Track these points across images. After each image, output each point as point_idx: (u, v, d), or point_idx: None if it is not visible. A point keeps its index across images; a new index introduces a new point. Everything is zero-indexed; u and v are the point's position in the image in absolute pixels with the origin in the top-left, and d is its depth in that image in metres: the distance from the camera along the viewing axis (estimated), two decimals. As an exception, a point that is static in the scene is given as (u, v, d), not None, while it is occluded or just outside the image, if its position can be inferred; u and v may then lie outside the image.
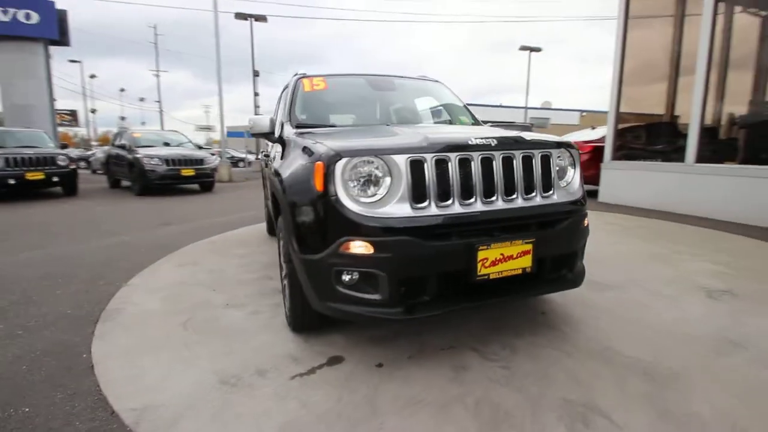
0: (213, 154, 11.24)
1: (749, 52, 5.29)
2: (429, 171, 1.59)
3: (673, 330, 2.09)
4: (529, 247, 1.64)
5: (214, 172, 9.34)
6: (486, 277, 1.60)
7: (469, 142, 1.67)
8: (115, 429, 1.44)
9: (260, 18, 17.10)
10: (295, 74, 3.27)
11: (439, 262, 1.56)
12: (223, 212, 6.43)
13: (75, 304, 2.62)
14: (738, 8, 5.41)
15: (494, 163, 1.68)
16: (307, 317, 1.94)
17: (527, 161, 1.75)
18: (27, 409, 1.56)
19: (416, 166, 1.58)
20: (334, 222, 1.57)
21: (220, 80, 12.26)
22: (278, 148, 2.70)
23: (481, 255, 1.56)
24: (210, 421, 1.47)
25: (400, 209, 1.56)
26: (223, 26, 17.66)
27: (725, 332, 2.05)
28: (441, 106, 2.98)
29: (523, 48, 23.14)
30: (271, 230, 4.25)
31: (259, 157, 4.38)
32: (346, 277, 1.58)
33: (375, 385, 1.66)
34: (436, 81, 3.17)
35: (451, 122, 2.88)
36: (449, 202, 1.61)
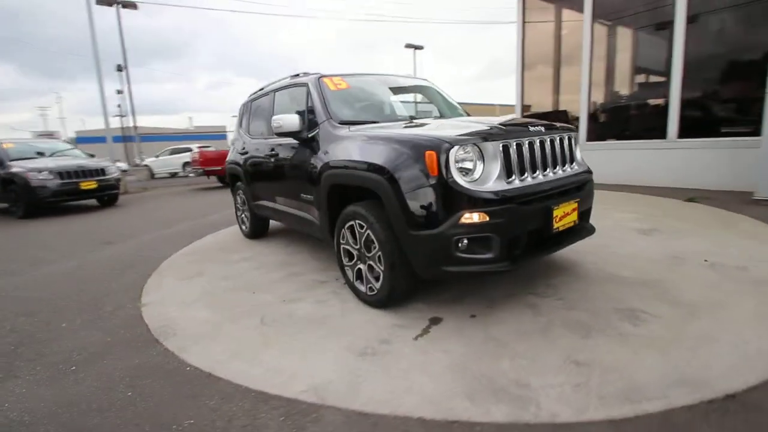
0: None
1: (609, 55, 6.93)
2: (513, 153, 2.04)
3: (637, 256, 2.94)
4: (576, 205, 2.23)
5: (119, 183, 8.16)
6: (557, 230, 2.13)
7: (530, 129, 2.16)
8: (323, 414, 1.57)
9: (129, 5, 14.95)
10: (297, 75, 3.34)
11: (530, 221, 2.03)
12: (156, 226, 5.83)
13: (109, 331, 2.38)
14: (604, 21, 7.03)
15: (546, 144, 2.21)
16: (405, 289, 2.23)
17: (561, 142, 2.32)
18: None
19: (505, 150, 2.02)
20: (451, 199, 1.91)
21: (100, 77, 10.52)
22: (299, 147, 2.83)
23: (555, 213, 2.08)
24: (390, 378, 1.70)
25: (499, 184, 1.98)
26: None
27: (668, 252, 2.97)
28: (442, 101, 3.42)
29: (408, 46, 24.89)
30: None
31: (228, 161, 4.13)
32: (462, 243, 1.93)
33: (483, 328, 2.06)
34: (426, 80, 3.59)
35: (457, 116, 3.34)
36: (525, 176, 2.09)
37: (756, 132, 4.43)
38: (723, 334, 1.86)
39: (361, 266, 2.40)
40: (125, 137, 18.87)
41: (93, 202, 8.26)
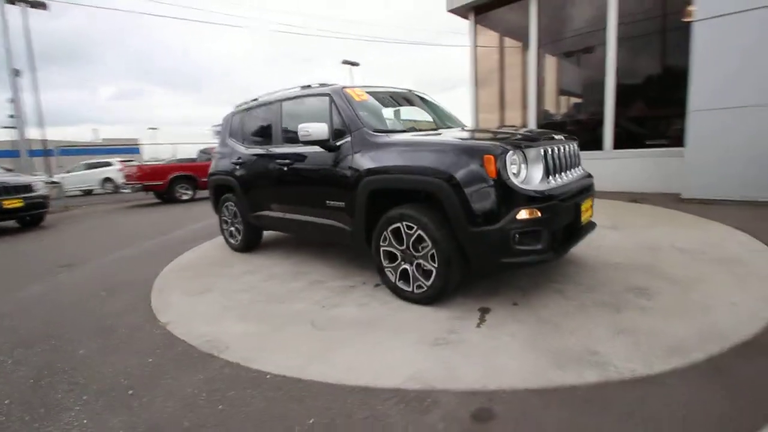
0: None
1: (557, 78, 7.87)
2: (549, 157, 2.35)
3: (619, 246, 3.44)
4: (591, 201, 2.61)
5: (47, 201, 7.15)
6: (582, 224, 2.47)
7: (554, 137, 2.50)
8: (438, 396, 1.66)
9: (38, 5, 13.23)
10: (308, 86, 3.38)
11: (566, 216, 2.33)
12: (111, 246, 5.27)
13: (145, 353, 2.19)
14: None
15: (564, 150, 2.56)
16: (454, 285, 2.40)
17: (572, 149, 2.70)
18: None
19: (545, 154, 2.32)
20: (508, 198, 2.14)
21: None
22: (324, 155, 2.89)
23: (582, 208, 2.43)
24: (476, 361, 1.85)
25: (543, 185, 2.27)
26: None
27: (640, 242, 3.52)
28: (441, 113, 3.68)
29: (345, 62, 25.36)
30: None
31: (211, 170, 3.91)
32: (517, 237, 2.17)
33: (531, 313, 2.31)
34: (425, 93, 3.84)
35: (458, 125, 3.61)
36: (557, 177, 2.41)
37: (676, 143, 5.42)
38: (716, 301, 2.32)
39: (407, 266, 2.52)
40: (43, 151, 16.38)
41: (10, 223, 7.14)
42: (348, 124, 2.84)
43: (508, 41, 8.13)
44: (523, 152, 2.25)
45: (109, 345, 2.31)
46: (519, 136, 2.43)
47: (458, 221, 2.21)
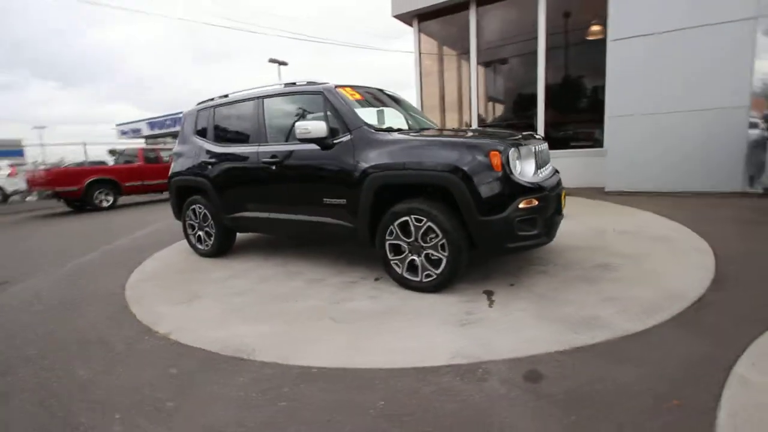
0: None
1: (494, 86, 8.57)
2: (536, 154, 2.67)
3: (573, 232, 3.96)
4: (564, 192, 3.00)
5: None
6: (562, 211, 2.84)
7: (535, 137, 2.84)
8: (488, 366, 1.82)
9: None
10: (292, 83, 3.34)
11: (554, 204, 2.67)
12: (46, 260, 4.60)
13: (161, 365, 2.03)
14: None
15: (542, 148, 2.92)
16: (462, 271, 2.60)
17: (546, 147, 3.09)
18: None
19: (536, 151, 2.64)
20: (512, 189, 2.40)
21: None
22: (320, 153, 2.93)
23: (562, 198, 2.79)
24: (504, 334, 2.07)
25: (535, 177, 2.57)
26: None
27: (588, 227, 4.09)
28: (417, 114, 3.87)
29: (272, 61, 24.45)
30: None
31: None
32: (520, 224, 2.45)
33: (528, 290, 2.60)
34: (395, 93, 4.00)
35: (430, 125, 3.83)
36: (541, 171, 2.75)
37: (598, 144, 6.33)
38: (664, 269, 2.84)
39: (414, 258, 2.67)
40: None
41: None
42: (347, 123, 2.90)
43: (447, 50, 8.69)
44: (518, 149, 2.54)
45: (111, 360, 2.10)
46: (512, 136, 2.73)
47: (469, 212, 2.43)
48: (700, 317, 2.15)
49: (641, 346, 1.90)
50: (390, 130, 2.94)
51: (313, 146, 2.99)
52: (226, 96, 3.83)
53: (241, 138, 3.56)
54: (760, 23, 4.60)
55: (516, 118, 7.75)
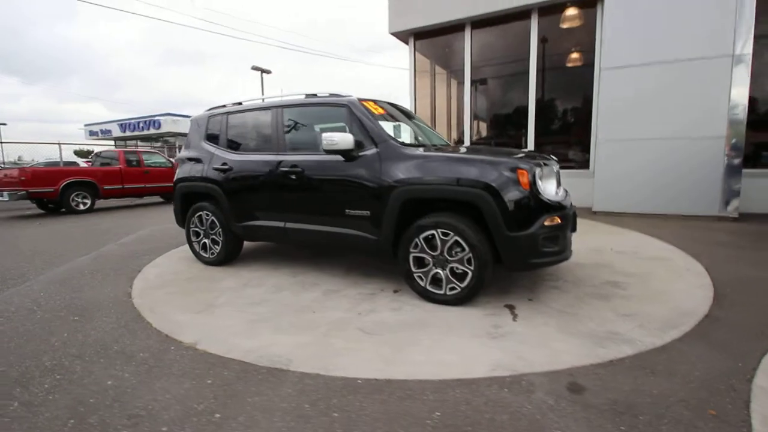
0: None
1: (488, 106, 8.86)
2: (557, 174, 2.81)
3: (576, 250, 4.04)
4: (575, 210, 3.16)
5: None
6: (576, 228, 2.98)
7: (552, 158, 2.99)
8: (529, 377, 1.87)
9: None
10: (312, 95, 3.37)
11: (571, 222, 2.80)
12: (33, 264, 4.35)
13: (195, 376, 1.98)
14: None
15: (557, 169, 3.07)
16: (485, 284, 2.67)
17: (558, 168, 3.24)
18: None
19: (556, 171, 2.77)
20: (538, 207, 2.52)
21: None
22: (345, 164, 2.96)
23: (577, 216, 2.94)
24: (535, 347, 2.14)
25: (557, 196, 2.70)
26: None
27: (587, 246, 4.27)
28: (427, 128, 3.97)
29: (255, 68, 24.29)
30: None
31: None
32: (544, 240, 2.55)
33: (547, 305, 2.70)
34: (407, 108, 4.10)
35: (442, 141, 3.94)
36: (559, 189, 2.89)
37: (585, 166, 6.65)
38: (669, 288, 3.02)
39: (439, 271, 2.72)
40: None
41: None
42: (372, 137, 2.95)
43: (439, 68, 8.95)
44: (542, 169, 2.67)
45: (139, 371, 2.02)
46: (541, 157, 2.86)
47: (497, 227, 2.51)
48: (712, 332, 2.30)
49: (666, 359, 2.02)
50: (414, 145, 3.01)
51: (337, 157, 3.02)
52: (239, 104, 3.81)
53: (257, 146, 3.54)
54: (736, 61, 5.04)
55: (507, 137, 8.04)
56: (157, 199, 11.72)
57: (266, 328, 2.49)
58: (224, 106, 3.93)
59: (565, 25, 7.00)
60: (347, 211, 3.02)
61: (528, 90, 7.23)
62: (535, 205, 2.52)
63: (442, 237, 2.67)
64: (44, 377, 1.98)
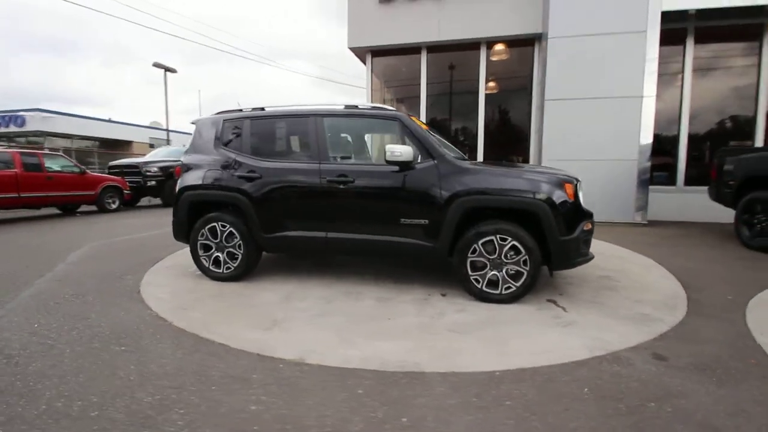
0: None
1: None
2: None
3: None
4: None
5: None
6: (588, 230, 3.57)
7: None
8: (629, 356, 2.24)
9: None
10: (353, 106, 3.40)
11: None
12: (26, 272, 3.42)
13: (291, 384, 1.92)
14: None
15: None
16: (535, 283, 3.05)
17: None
18: None
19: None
20: (581, 215, 3.00)
21: None
22: (402, 175, 3.12)
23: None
24: (598, 330, 2.56)
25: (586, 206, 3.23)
26: None
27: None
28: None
29: (157, 65, 21.77)
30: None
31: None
32: (582, 243, 3.04)
33: (577, 298, 3.19)
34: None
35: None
36: (579, 201, 3.45)
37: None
38: (648, 279, 3.78)
39: (496, 272, 3.02)
40: None
41: None
42: (429, 150, 3.14)
43: (395, 85, 9.41)
44: (579, 183, 3.18)
45: (271, 392, 1.88)
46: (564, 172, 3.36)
47: (551, 232, 2.92)
48: (701, 309, 3.01)
49: (691, 330, 2.62)
50: (462, 158, 3.29)
51: (391, 168, 3.14)
52: (261, 109, 3.63)
53: (292, 154, 3.42)
54: (645, 101, 6.47)
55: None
56: (54, 210, 9.80)
57: (357, 337, 2.48)
58: (240, 110, 3.69)
59: (505, 58, 8.05)
60: (403, 220, 3.15)
61: (477, 112, 8.08)
62: (578, 213, 3.01)
63: (500, 242, 2.99)
64: (169, 413, 1.72)
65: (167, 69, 22.39)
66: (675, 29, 6.84)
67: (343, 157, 3.36)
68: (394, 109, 3.39)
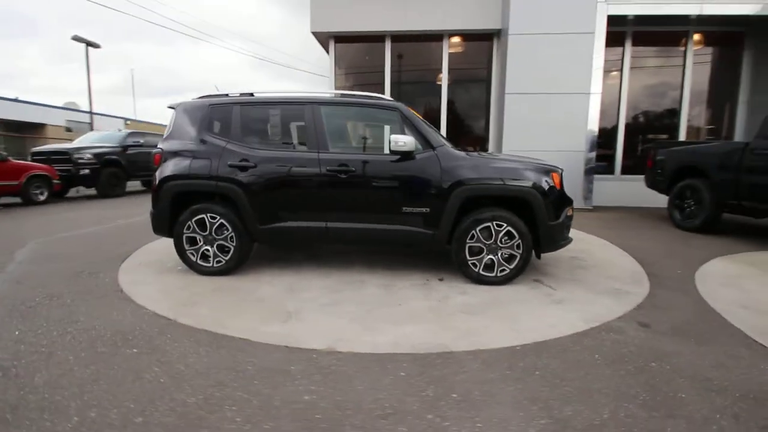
0: None
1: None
2: (559, 176, 3.66)
3: None
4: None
5: None
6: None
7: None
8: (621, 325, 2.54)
9: None
10: (349, 95, 3.36)
11: (568, 212, 3.69)
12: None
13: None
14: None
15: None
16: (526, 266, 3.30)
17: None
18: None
19: (561, 174, 3.61)
20: (566, 201, 3.29)
21: None
22: (404, 164, 3.20)
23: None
24: (586, 305, 2.87)
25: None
26: None
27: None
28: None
29: (77, 39, 19.24)
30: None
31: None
32: (565, 228, 3.34)
33: (559, 277, 3.52)
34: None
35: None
36: (556, 189, 3.76)
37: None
38: (609, 256, 4.24)
39: (492, 257, 3.22)
40: None
41: None
42: (429, 140, 3.23)
43: (358, 72, 9.31)
44: (562, 171, 3.47)
45: (327, 381, 1.89)
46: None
47: (542, 218, 3.18)
48: (661, 282, 3.48)
49: (662, 300, 3.03)
50: (460, 148, 3.42)
51: (391, 158, 3.19)
52: (251, 95, 3.46)
53: (288, 142, 3.32)
54: (592, 97, 7.10)
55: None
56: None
57: (377, 324, 2.55)
58: (226, 95, 3.49)
59: (466, 50, 8.34)
60: (404, 208, 3.22)
61: (440, 102, 8.31)
62: (563, 200, 3.30)
63: (496, 228, 3.19)
64: (220, 411, 1.67)
65: (89, 44, 19.96)
66: (617, 32, 7.54)
67: (342, 147, 3.34)
68: (392, 98, 3.42)
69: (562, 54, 7.07)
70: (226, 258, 3.40)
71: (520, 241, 3.19)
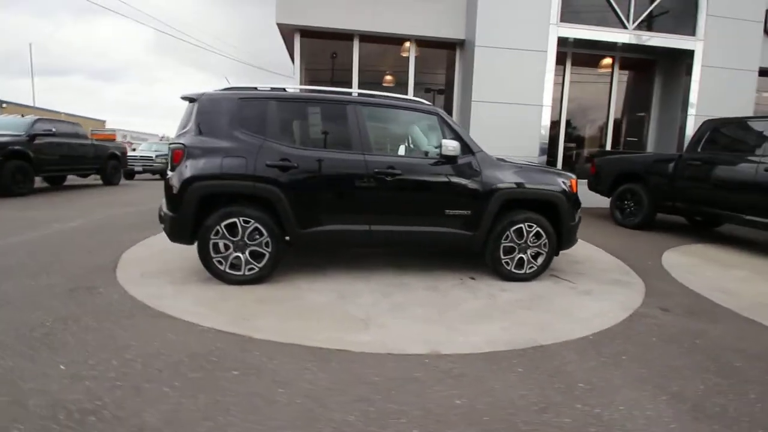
0: None
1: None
2: (564, 181, 4.07)
3: None
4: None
5: None
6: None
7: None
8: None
9: None
10: (415, 99, 3.36)
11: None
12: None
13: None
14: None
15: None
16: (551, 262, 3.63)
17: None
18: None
19: (567, 180, 4.02)
20: (578, 204, 3.69)
21: None
22: (446, 167, 3.32)
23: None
24: (614, 295, 3.29)
25: (572, 197, 3.96)
26: None
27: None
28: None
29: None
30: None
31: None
32: (577, 228, 3.75)
33: (579, 277, 3.93)
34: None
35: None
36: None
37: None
38: (588, 253, 4.84)
39: (522, 255, 3.49)
40: None
41: None
42: (469, 145, 3.37)
43: (324, 70, 9.04)
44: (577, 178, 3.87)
45: (461, 384, 1.90)
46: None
47: (565, 219, 3.53)
48: (643, 273, 4.09)
49: (660, 287, 3.58)
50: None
51: (434, 160, 3.28)
52: (283, 89, 3.23)
53: (331, 143, 3.18)
54: (544, 109, 7.93)
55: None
56: None
57: (457, 324, 2.63)
58: (255, 88, 3.20)
59: (432, 57, 8.66)
60: (448, 211, 3.32)
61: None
62: (577, 203, 3.70)
63: (527, 228, 3.46)
64: (384, 423, 1.60)
65: None
66: (561, 53, 8.50)
67: (387, 148, 3.31)
68: (430, 103, 3.49)
69: (521, 68, 7.77)
70: (260, 265, 3.14)
71: (546, 240, 3.52)
